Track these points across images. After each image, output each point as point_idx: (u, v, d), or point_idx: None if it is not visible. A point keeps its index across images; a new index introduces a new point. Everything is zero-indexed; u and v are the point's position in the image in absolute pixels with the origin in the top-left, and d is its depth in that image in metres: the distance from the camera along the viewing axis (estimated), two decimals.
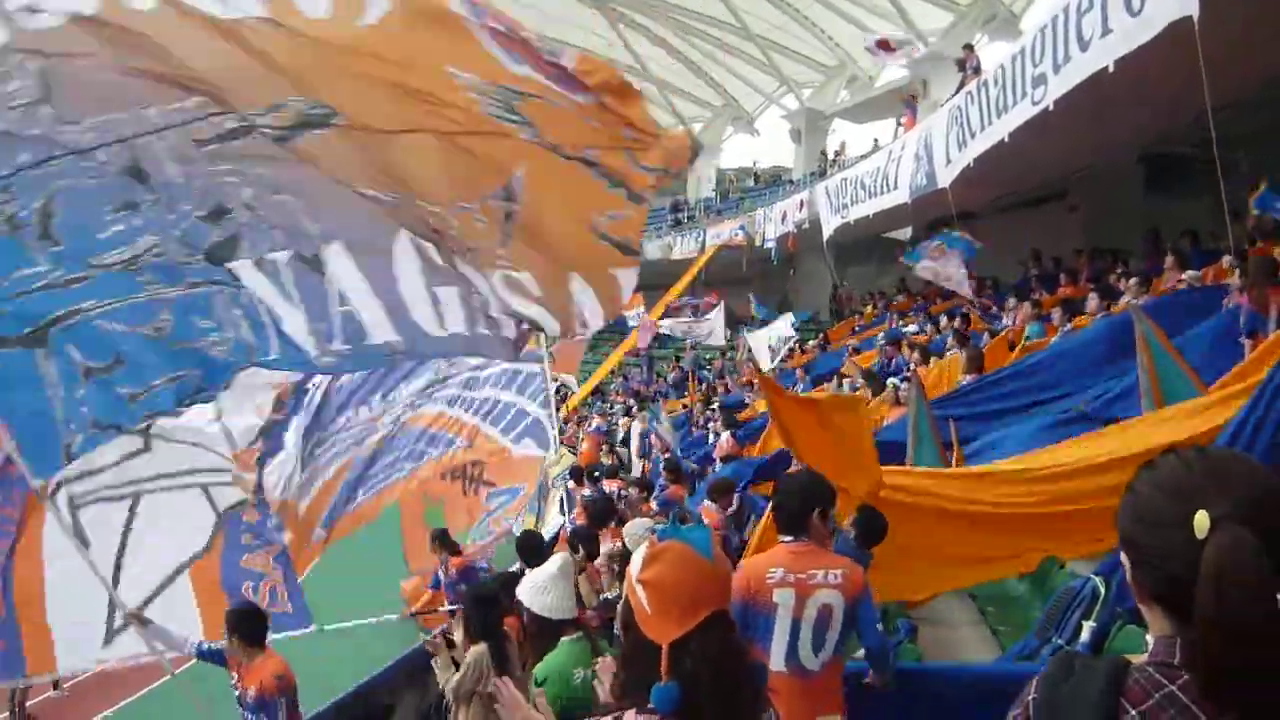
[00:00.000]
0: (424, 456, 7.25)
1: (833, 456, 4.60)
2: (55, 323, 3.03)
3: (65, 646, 4.47)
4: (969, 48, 18.18)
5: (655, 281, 27.60)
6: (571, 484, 11.72)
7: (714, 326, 20.02)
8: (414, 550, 8.45)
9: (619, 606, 1.95)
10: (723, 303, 20.64)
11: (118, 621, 4.57)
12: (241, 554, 5.00)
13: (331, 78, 2.31)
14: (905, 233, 20.22)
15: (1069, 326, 9.33)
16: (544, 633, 3.73)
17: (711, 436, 11.81)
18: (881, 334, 16.41)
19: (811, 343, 20.86)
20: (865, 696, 3.63)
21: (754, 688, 1.83)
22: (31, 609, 4.34)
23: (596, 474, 11.88)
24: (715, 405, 16.56)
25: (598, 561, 6.34)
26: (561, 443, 17.72)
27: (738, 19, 31.77)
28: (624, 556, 5.19)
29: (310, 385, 5.68)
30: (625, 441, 18.39)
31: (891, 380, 10.17)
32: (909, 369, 10.94)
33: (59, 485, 4.24)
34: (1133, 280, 9.55)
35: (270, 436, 5.38)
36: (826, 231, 20.68)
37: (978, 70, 14.98)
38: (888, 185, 16.71)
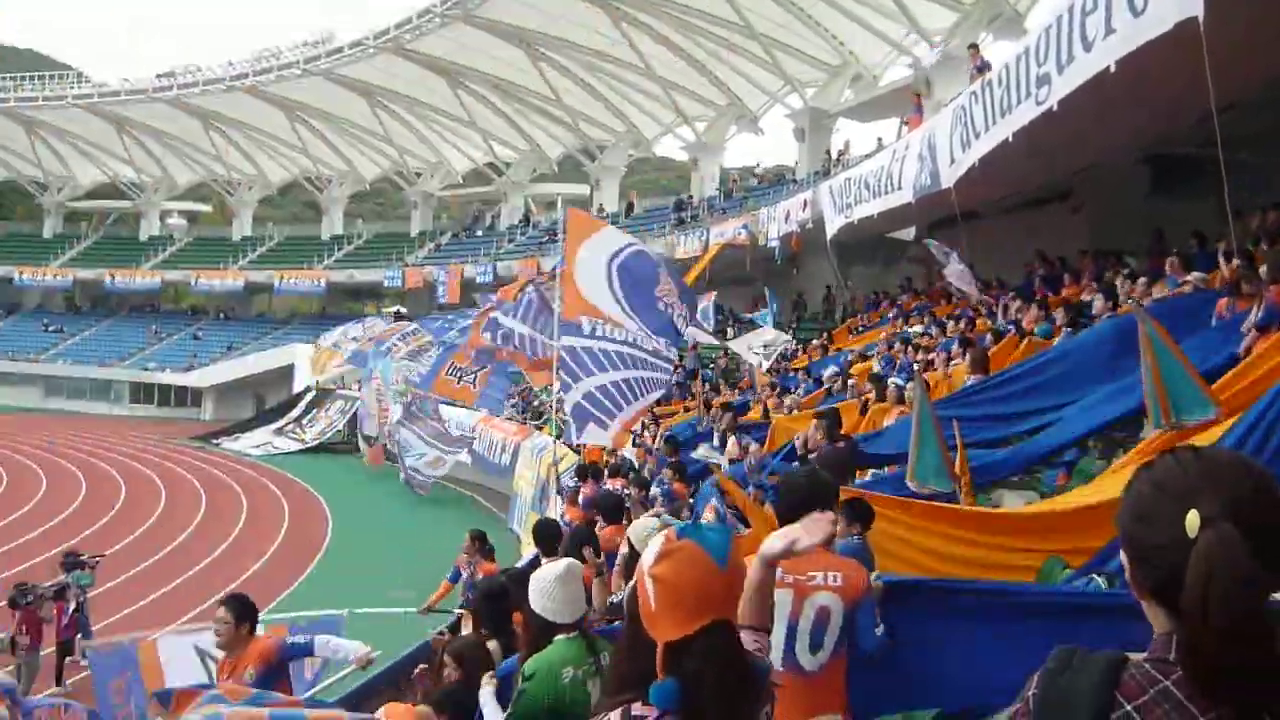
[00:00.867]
0: None
1: None
2: None
3: None
4: (974, 47, 18.17)
5: None
6: (577, 481, 11.77)
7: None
8: None
9: (626, 596, 1.94)
10: (710, 296, 20.20)
11: None
12: None
13: None
14: (909, 233, 20.23)
15: (1072, 328, 9.32)
16: (542, 631, 3.74)
17: (716, 439, 11.78)
18: (884, 336, 16.42)
19: (815, 342, 20.82)
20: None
21: (757, 691, 1.82)
22: None
23: (602, 472, 11.92)
24: (718, 405, 16.50)
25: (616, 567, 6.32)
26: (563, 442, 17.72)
27: (742, 17, 31.75)
28: (627, 558, 5.18)
29: None
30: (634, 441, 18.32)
31: (893, 380, 10.15)
32: (912, 370, 10.92)
33: None
34: (1140, 280, 9.53)
35: None
36: (830, 231, 20.66)
37: (983, 70, 14.97)
38: (891, 185, 16.69)
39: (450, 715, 3.97)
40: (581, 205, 51.03)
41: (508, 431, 24.22)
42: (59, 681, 12.63)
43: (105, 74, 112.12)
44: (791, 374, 17.51)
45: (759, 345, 17.75)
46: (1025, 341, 10.05)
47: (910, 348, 13.28)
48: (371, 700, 6.42)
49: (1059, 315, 10.07)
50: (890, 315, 19.22)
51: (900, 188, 16.17)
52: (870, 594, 3.48)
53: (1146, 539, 1.27)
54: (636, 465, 12.49)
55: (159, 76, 51.87)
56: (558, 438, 14.08)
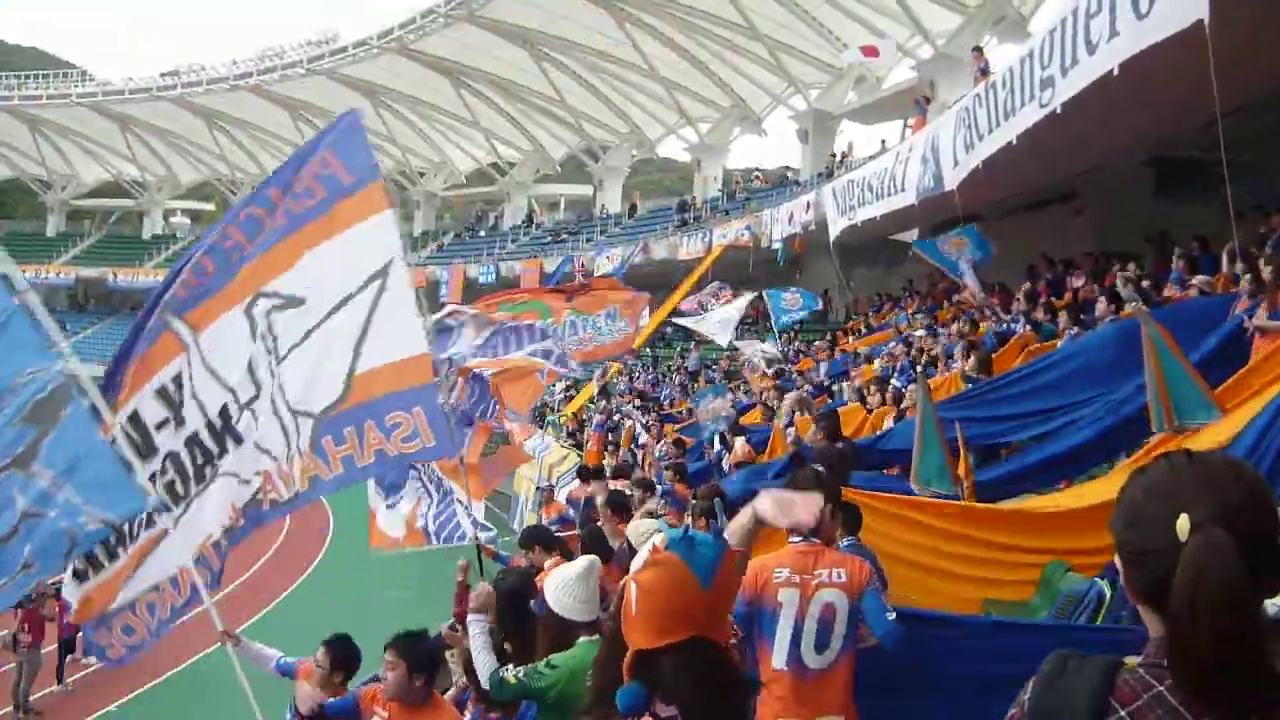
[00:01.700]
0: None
1: None
2: None
3: None
4: (978, 49, 18.16)
5: (660, 281, 27.61)
6: (578, 483, 11.75)
7: (726, 324, 19.62)
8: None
9: (616, 596, 1.94)
10: (742, 300, 20.18)
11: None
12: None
13: None
14: (912, 235, 20.21)
15: (1075, 331, 9.30)
16: (559, 630, 3.73)
17: (717, 441, 11.76)
18: (890, 338, 16.41)
19: (818, 342, 20.82)
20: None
21: (740, 704, 1.81)
22: None
23: (603, 473, 11.89)
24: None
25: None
26: (569, 443, 17.63)
27: (745, 19, 31.75)
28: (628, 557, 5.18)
29: None
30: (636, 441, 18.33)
31: (893, 381, 10.15)
32: (914, 372, 10.91)
33: None
34: (1143, 284, 9.52)
35: None
36: (833, 233, 20.65)
37: (986, 72, 14.96)
38: (895, 187, 16.68)
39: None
40: (585, 205, 51.17)
41: (507, 431, 24.14)
42: (60, 679, 12.65)
43: (108, 73, 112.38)
44: (793, 376, 17.50)
45: (758, 355, 17.79)
46: (1026, 350, 10.02)
47: (913, 350, 13.28)
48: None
49: (1062, 318, 10.06)
50: (893, 319, 19.22)
51: (903, 190, 16.16)
52: (874, 582, 3.51)
53: (1139, 543, 1.28)
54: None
55: (163, 75, 51.94)
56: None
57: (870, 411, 10.10)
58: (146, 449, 4.72)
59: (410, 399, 4.24)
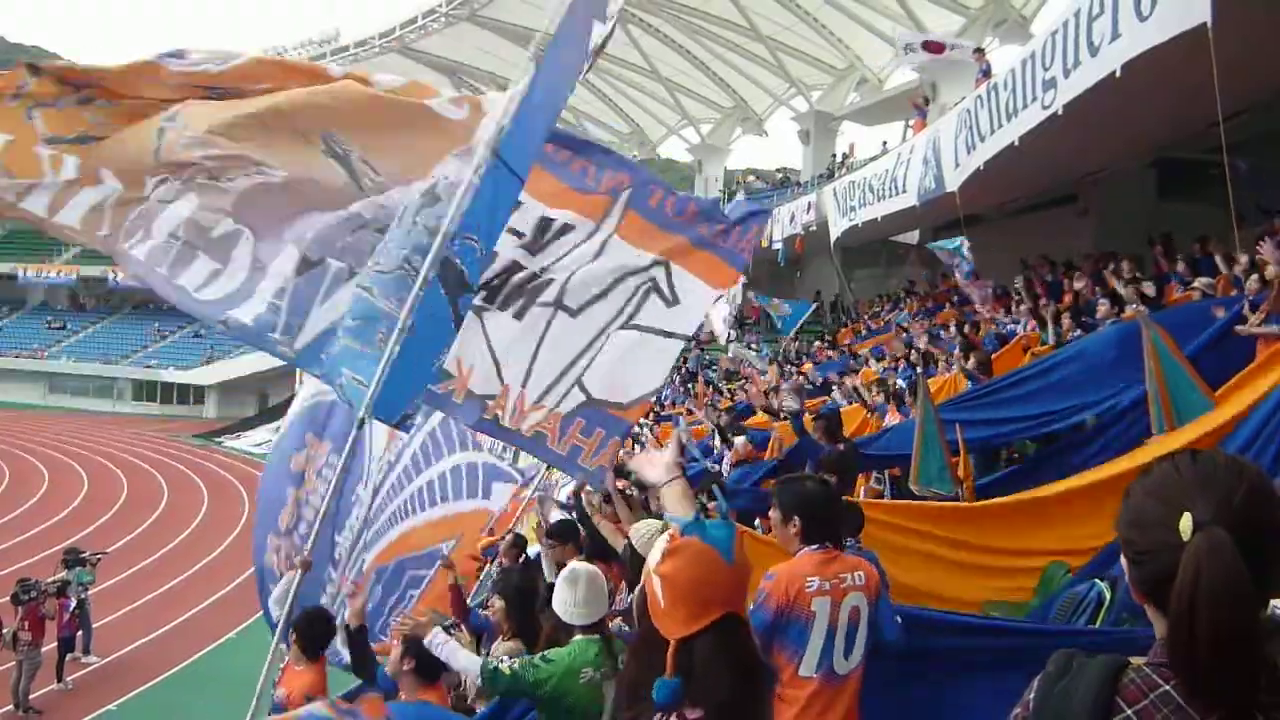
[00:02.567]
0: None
1: None
2: None
3: None
4: (980, 51, 18.16)
5: None
6: (574, 485, 11.71)
7: (713, 324, 19.62)
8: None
9: (635, 597, 1.95)
10: (722, 298, 20.23)
11: None
12: None
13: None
14: (912, 236, 20.22)
15: (1077, 333, 9.29)
16: (561, 630, 3.73)
17: (718, 442, 11.72)
18: (892, 340, 16.37)
19: (818, 343, 20.80)
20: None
21: (765, 682, 1.84)
22: None
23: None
24: (722, 410, 16.50)
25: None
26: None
27: (747, 20, 31.77)
28: (629, 558, 5.16)
29: None
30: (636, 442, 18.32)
31: (894, 383, 10.13)
32: (915, 374, 10.89)
33: None
34: (1144, 285, 9.50)
35: None
36: (834, 234, 20.65)
37: (988, 73, 14.96)
38: (896, 188, 16.68)
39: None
40: None
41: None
42: (59, 678, 12.65)
43: None
44: (795, 379, 17.47)
45: (752, 356, 17.78)
46: (1029, 352, 10.00)
47: (913, 351, 13.25)
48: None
49: (1064, 320, 10.04)
50: (893, 320, 19.20)
51: (904, 191, 16.16)
52: (884, 586, 3.55)
53: (1143, 543, 1.28)
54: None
55: None
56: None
57: (872, 413, 10.07)
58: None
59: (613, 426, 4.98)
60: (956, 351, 10.20)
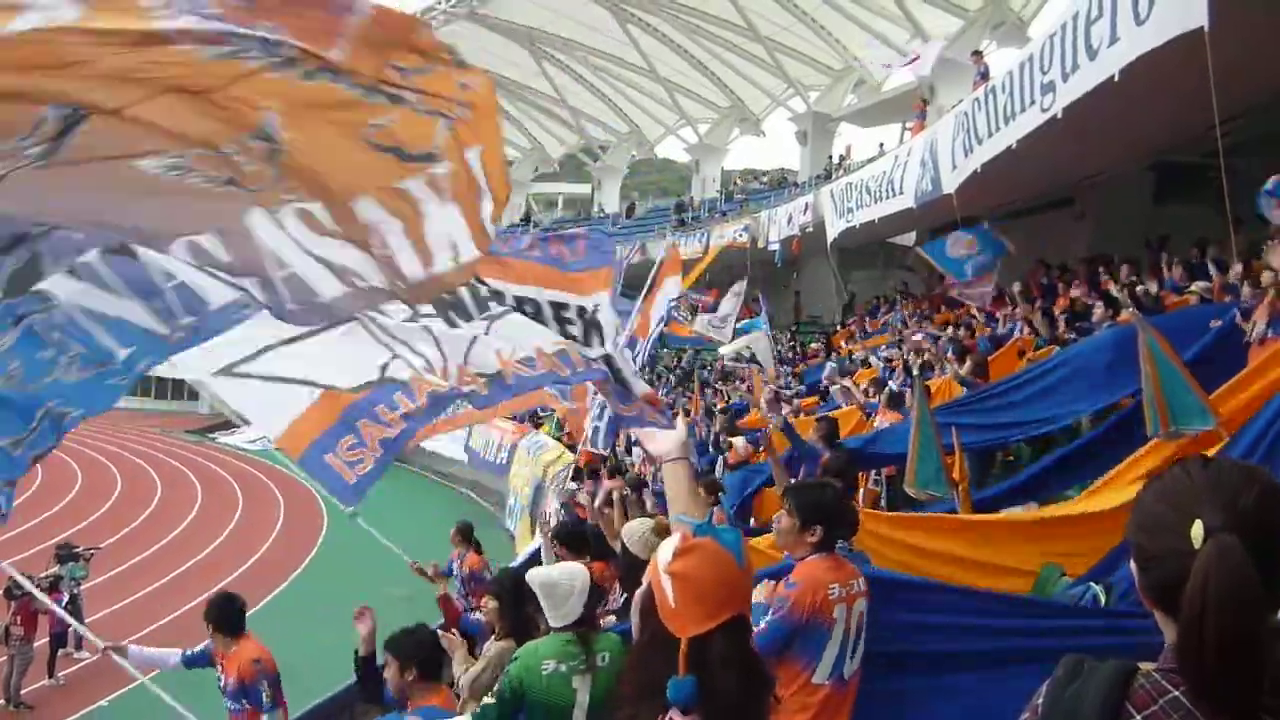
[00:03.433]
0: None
1: None
2: None
3: None
4: (978, 54, 18.18)
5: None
6: (572, 484, 11.72)
7: (726, 321, 19.58)
8: None
9: (639, 594, 1.94)
10: (732, 296, 20.22)
11: None
12: (366, 415, 4.96)
13: (68, 76, 2.18)
14: (909, 238, 20.22)
15: (1073, 336, 9.30)
16: (525, 626, 3.74)
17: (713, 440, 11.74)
18: (887, 341, 16.40)
19: (815, 345, 20.82)
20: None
21: (767, 685, 1.85)
22: None
23: (597, 472, 11.87)
24: (718, 410, 16.51)
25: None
26: (563, 443, 17.60)
27: (746, 20, 31.77)
28: (623, 559, 5.15)
29: None
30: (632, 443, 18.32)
31: (890, 385, 10.14)
32: (912, 375, 10.89)
33: None
34: (1140, 289, 9.52)
35: None
36: (831, 235, 20.66)
37: (986, 76, 14.98)
38: (893, 190, 16.70)
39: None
40: (583, 205, 51.16)
41: (505, 430, 24.19)
42: (51, 674, 12.61)
43: None
44: (789, 379, 17.49)
45: (747, 353, 17.71)
46: (1024, 359, 10.01)
47: (911, 353, 13.25)
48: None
49: (1060, 323, 10.06)
50: (889, 321, 19.22)
51: (902, 193, 16.18)
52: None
53: (1152, 549, 1.28)
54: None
55: None
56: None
57: (869, 416, 10.07)
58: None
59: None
60: (951, 354, 10.21)
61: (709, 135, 41.12)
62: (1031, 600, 4.61)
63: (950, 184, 13.68)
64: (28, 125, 2.10)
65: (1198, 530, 1.20)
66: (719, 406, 16.01)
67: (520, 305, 4.53)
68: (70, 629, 13.26)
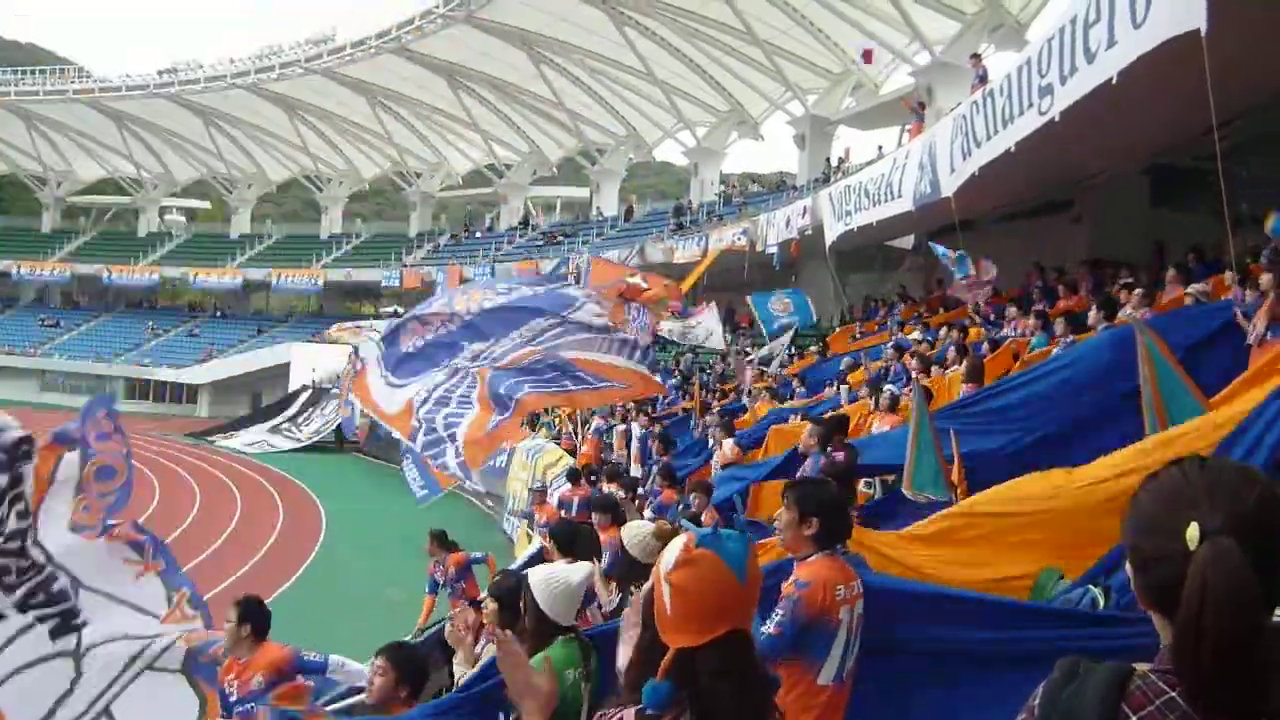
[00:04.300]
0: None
1: None
2: None
3: None
4: (976, 56, 18.20)
5: None
6: (568, 486, 11.71)
7: (710, 329, 19.95)
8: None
9: (643, 596, 1.93)
10: (713, 305, 20.73)
11: None
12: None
13: None
14: (908, 241, 20.24)
15: (1070, 339, 9.29)
16: (540, 630, 3.71)
17: (710, 442, 11.72)
18: (887, 342, 16.37)
19: (812, 348, 20.79)
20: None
21: (769, 703, 1.82)
22: None
23: (594, 476, 11.86)
24: (715, 410, 16.50)
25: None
26: (559, 444, 17.57)
27: (744, 23, 31.79)
28: (622, 561, 5.14)
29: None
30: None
31: (888, 388, 10.11)
32: (908, 377, 10.88)
33: None
34: (1136, 292, 9.51)
35: None
36: (829, 238, 20.66)
37: (984, 79, 14.98)
38: (891, 193, 16.69)
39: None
40: (581, 208, 51.18)
41: None
42: None
43: (105, 69, 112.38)
44: (787, 380, 17.46)
45: (757, 358, 17.81)
46: (1019, 362, 9.99)
47: (909, 355, 13.24)
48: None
49: (1057, 326, 10.04)
50: (887, 323, 19.20)
51: (900, 196, 16.18)
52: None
53: (1148, 550, 1.28)
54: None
55: (160, 73, 51.82)
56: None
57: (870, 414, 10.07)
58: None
59: None
60: (950, 354, 10.20)
61: (707, 139, 41.15)
62: (1028, 605, 4.59)
63: (949, 187, 13.68)
64: None
65: (1193, 532, 1.20)
66: (715, 408, 15.98)
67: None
68: None
